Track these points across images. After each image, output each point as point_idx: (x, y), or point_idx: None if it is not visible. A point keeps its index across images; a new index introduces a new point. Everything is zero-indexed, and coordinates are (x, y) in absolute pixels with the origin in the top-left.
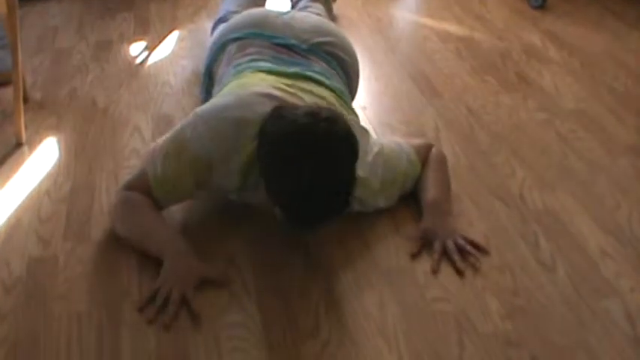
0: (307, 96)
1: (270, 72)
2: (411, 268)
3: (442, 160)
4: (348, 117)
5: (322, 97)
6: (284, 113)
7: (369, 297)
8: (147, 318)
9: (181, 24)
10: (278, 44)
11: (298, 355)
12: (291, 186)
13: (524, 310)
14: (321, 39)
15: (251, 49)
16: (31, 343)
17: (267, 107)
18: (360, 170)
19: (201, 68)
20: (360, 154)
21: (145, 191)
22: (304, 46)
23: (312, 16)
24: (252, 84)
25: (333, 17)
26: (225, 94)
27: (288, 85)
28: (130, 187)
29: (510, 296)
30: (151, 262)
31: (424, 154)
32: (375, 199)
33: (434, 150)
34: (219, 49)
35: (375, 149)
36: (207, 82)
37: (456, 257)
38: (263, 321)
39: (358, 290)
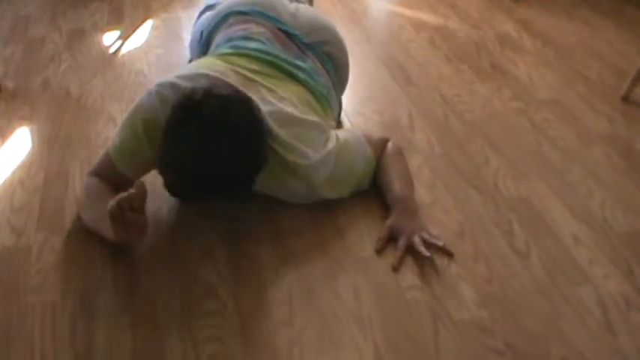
0: (268, 85)
1: (248, 55)
2: (385, 256)
3: (400, 154)
4: (305, 115)
5: (284, 91)
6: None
7: (343, 284)
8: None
9: (155, 13)
10: (280, 29)
11: (273, 342)
12: (164, 153)
13: (499, 297)
14: (322, 37)
15: (251, 25)
16: (4, 333)
17: None
18: (303, 160)
19: (192, 34)
20: (306, 151)
21: (109, 173)
22: (305, 40)
23: (313, 11)
24: (216, 63)
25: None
26: (188, 66)
27: (254, 72)
28: (94, 171)
29: (484, 284)
30: (126, 251)
31: (380, 149)
32: (320, 190)
33: (390, 144)
34: (221, 20)
35: (330, 146)
36: (205, 49)
37: (422, 248)
38: (238, 309)
39: (332, 278)
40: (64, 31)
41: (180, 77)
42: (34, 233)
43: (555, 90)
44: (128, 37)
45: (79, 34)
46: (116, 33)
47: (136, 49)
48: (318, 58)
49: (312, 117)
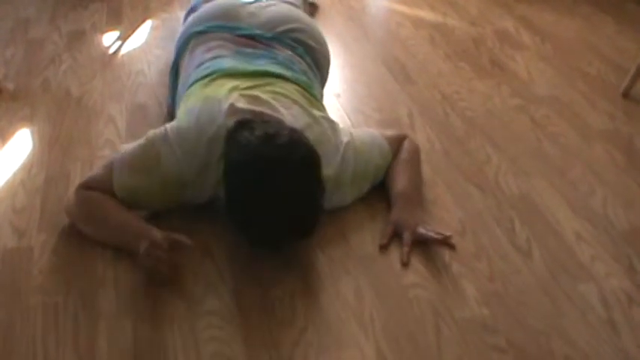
0: (269, 96)
1: (231, 75)
2: (386, 255)
3: (414, 151)
4: (313, 113)
5: (284, 94)
6: (240, 137)
7: (345, 284)
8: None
9: (154, 13)
10: (241, 35)
11: (275, 343)
12: (246, 213)
13: (500, 295)
14: (286, 26)
15: (214, 44)
16: (6, 334)
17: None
18: (330, 169)
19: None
20: (330, 152)
21: (106, 191)
22: (269, 35)
23: (279, 4)
24: (217, 97)
25: (312, 5)
26: (193, 109)
27: (250, 88)
28: (90, 186)
29: (486, 281)
30: (126, 251)
31: (397, 144)
32: (344, 195)
33: (407, 141)
34: (183, 44)
35: (345, 140)
36: (173, 80)
37: (431, 233)
38: (239, 309)
39: (334, 278)
40: (63, 32)
41: (202, 126)
42: (35, 234)
43: (555, 87)
44: (128, 37)
45: (78, 35)
46: (116, 34)
47: (135, 49)
48: (288, 47)
49: (316, 111)
